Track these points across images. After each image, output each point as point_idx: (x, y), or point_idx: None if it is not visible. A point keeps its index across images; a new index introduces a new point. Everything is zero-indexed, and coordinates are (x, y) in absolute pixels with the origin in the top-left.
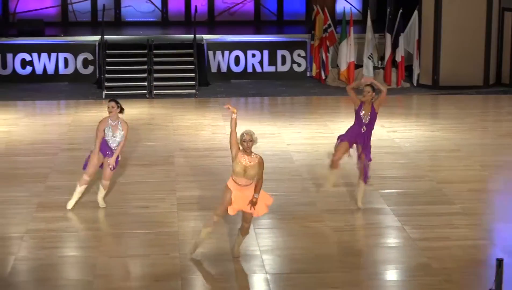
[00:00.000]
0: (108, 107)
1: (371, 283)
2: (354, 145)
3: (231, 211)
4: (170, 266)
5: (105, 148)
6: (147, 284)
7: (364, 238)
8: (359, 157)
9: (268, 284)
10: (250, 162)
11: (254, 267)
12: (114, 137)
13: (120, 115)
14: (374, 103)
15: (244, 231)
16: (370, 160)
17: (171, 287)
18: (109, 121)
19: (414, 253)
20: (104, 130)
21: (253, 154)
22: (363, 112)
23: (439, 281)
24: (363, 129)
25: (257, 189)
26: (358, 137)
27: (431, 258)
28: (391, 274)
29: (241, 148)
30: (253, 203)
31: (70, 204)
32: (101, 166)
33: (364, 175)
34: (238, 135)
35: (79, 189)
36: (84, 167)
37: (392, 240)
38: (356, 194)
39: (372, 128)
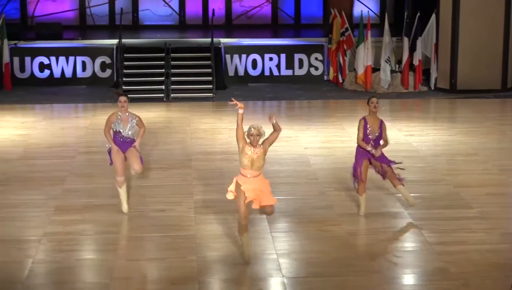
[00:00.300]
0: (120, 102)
1: (388, 287)
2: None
3: (255, 205)
4: (187, 269)
5: (120, 144)
6: (164, 287)
7: (381, 242)
8: (380, 173)
9: (285, 287)
10: (256, 153)
11: (270, 270)
12: (125, 128)
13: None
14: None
15: (270, 212)
16: (389, 165)
17: None
18: (119, 114)
19: (431, 257)
20: (111, 127)
21: (258, 145)
22: (370, 128)
23: (457, 285)
24: (371, 144)
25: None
26: (366, 154)
27: (448, 262)
28: (408, 278)
29: (248, 140)
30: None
31: (124, 208)
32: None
33: (397, 178)
34: (245, 129)
35: (121, 191)
36: (111, 163)
37: (409, 244)
38: (403, 195)
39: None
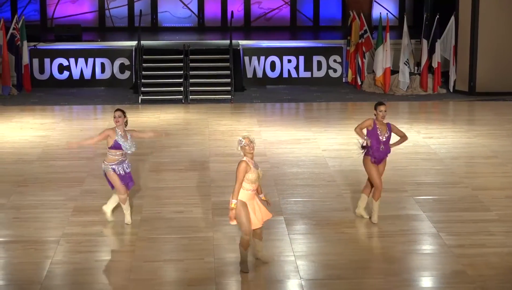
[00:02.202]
0: (114, 117)
1: None
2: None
3: (257, 223)
4: (204, 271)
5: (123, 179)
6: (181, 289)
7: (399, 244)
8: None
9: (302, 289)
10: (258, 167)
11: (288, 272)
12: (126, 144)
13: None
14: None
15: (260, 235)
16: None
17: None
18: (117, 131)
19: (450, 260)
20: (117, 143)
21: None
22: (380, 131)
23: (475, 288)
24: (382, 148)
25: (259, 191)
26: (379, 156)
27: (466, 265)
28: (426, 281)
29: (242, 153)
30: (268, 203)
31: (127, 219)
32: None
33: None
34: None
35: (125, 206)
36: (111, 186)
37: (427, 246)
38: (372, 209)
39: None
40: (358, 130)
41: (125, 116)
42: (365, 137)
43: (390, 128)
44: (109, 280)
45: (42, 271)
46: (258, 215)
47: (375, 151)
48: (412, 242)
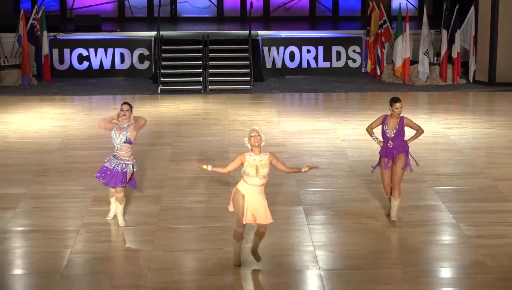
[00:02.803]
0: (122, 110)
1: (425, 280)
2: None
3: (246, 219)
4: (223, 261)
5: (103, 171)
6: (201, 278)
7: (418, 235)
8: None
9: (322, 280)
10: (260, 160)
11: (307, 262)
12: (119, 138)
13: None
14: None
15: (261, 235)
16: (404, 168)
17: (224, 282)
18: (119, 124)
19: (469, 250)
20: (111, 133)
21: (261, 153)
22: (387, 126)
23: (494, 279)
24: (390, 144)
25: (294, 169)
26: (389, 152)
27: (486, 255)
28: (445, 272)
29: (248, 145)
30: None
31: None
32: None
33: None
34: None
35: (117, 206)
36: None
37: (446, 237)
38: (390, 211)
39: (402, 139)
40: (369, 130)
41: (132, 111)
42: (373, 137)
43: (402, 123)
44: (128, 270)
45: (62, 260)
46: (254, 213)
47: (384, 148)
48: (431, 233)
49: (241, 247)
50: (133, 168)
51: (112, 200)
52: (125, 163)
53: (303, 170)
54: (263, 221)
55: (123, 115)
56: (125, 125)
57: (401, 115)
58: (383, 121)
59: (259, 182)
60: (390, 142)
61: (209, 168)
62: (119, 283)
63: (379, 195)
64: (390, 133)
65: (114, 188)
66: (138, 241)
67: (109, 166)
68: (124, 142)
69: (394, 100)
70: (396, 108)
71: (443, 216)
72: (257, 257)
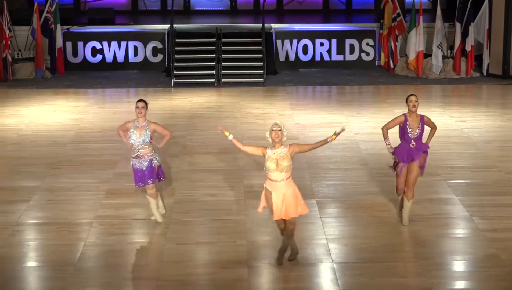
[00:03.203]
0: (138, 108)
1: (438, 274)
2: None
3: (277, 216)
4: (237, 253)
5: (139, 175)
6: (214, 271)
7: (431, 228)
8: (407, 173)
9: (335, 273)
10: (280, 153)
11: (320, 255)
12: (140, 138)
13: (147, 117)
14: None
15: (290, 233)
16: (421, 170)
17: (238, 274)
18: (134, 124)
19: (482, 244)
20: (129, 133)
21: (282, 146)
22: (411, 127)
23: (507, 272)
24: (412, 145)
25: (319, 144)
26: (410, 154)
27: (499, 249)
28: (459, 265)
29: (269, 139)
30: (337, 134)
31: (158, 218)
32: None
33: (413, 193)
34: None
35: (153, 202)
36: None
37: (459, 230)
38: (402, 212)
39: (426, 146)
40: (385, 131)
41: (147, 108)
42: (387, 142)
43: (423, 122)
44: (141, 263)
45: (75, 253)
46: (282, 208)
47: (405, 151)
48: (444, 226)
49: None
50: (157, 161)
51: (154, 201)
52: (149, 159)
53: (328, 140)
54: (293, 214)
55: (138, 112)
56: (144, 124)
57: (421, 113)
58: (405, 122)
59: (280, 176)
60: (413, 142)
61: (230, 137)
62: (132, 276)
63: (392, 189)
64: (414, 133)
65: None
66: (151, 234)
67: (138, 168)
68: (147, 142)
69: (409, 95)
70: (410, 101)
71: (456, 210)
72: (280, 260)
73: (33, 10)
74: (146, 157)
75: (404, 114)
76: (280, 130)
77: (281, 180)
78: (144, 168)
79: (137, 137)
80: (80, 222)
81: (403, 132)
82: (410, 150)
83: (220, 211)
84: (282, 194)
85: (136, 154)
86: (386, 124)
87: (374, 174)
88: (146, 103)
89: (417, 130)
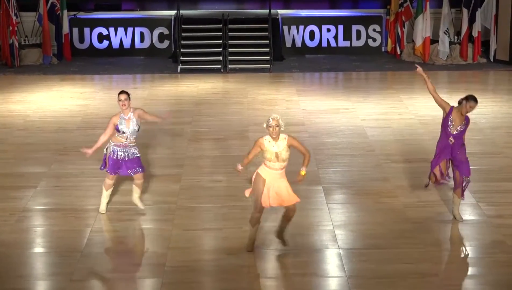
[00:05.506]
0: (120, 100)
1: (445, 260)
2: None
3: (270, 204)
4: (243, 240)
5: (116, 164)
6: (220, 257)
7: (437, 214)
8: (453, 170)
9: (341, 259)
10: (279, 146)
11: (326, 241)
12: (131, 128)
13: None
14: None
15: (290, 218)
16: (466, 175)
17: (244, 260)
18: (122, 116)
19: (489, 230)
20: (118, 126)
21: (280, 137)
22: (453, 122)
23: None
24: (451, 141)
25: (305, 163)
26: (447, 150)
27: (506, 235)
28: (465, 251)
29: (267, 131)
30: (301, 179)
31: (102, 209)
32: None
33: (461, 190)
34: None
35: (106, 194)
36: (102, 167)
37: (466, 217)
38: (452, 208)
39: (463, 139)
40: (436, 95)
41: (130, 99)
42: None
43: (467, 124)
44: (148, 249)
45: (82, 239)
46: (277, 196)
47: (445, 148)
48: (451, 212)
49: (256, 233)
50: (138, 152)
51: (107, 192)
52: (134, 149)
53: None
54: (289, 202)
55: (122, 105)
56: (129, 115)
57: (468, 116)
58: (449, 113)
59: (280, 165)
60: (452, 138)
61: (239, 167)
62: (139, 262)
63: (398, 175)
64: (454, 130)
65: (134, 175)
66: (158, 220)
67: (119, 157)
68: (137, 131)
69: (473, 99)
70: (471, 107)
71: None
72: (283, 242)
73: None
74: (132, 147)
75: (452, 107)
76: (278, 125)
77: (280, 169)
78: (131, 156)
79: (127, 128)
80: (87, 208)
81: (445, 125)
82: (448, 146)
83: (227, 197)
84: (275, 181)
85: (124, 142)
86: (438, 96)
87: (380, 161)
88: (128, 94)
89: (458, 128)
